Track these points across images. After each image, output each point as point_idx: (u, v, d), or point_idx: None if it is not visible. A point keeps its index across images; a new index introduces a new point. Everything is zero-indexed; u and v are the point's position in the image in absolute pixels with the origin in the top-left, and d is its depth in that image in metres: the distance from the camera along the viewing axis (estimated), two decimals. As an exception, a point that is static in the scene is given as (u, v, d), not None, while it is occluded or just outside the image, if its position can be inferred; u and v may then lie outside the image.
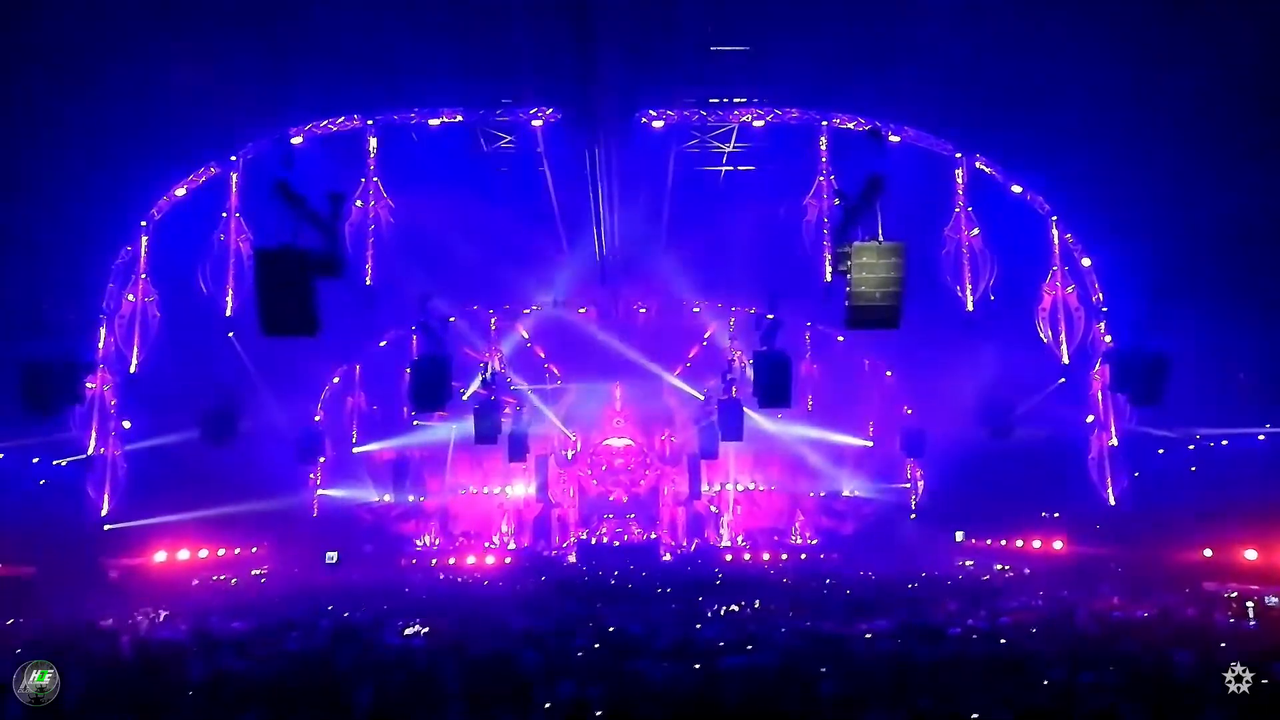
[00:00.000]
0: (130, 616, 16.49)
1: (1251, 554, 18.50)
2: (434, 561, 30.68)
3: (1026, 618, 16.06)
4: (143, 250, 19.74)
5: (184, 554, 24.98)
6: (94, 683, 9.21)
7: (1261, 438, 23.64)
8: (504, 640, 12.68)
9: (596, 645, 12.11)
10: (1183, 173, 16.82)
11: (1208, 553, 19.95)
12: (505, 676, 9.87)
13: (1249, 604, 17.87)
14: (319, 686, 9.50)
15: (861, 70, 16.51)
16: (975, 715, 7.91)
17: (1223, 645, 12.38)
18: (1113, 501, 20.77)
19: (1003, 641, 13.11)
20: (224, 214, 18.41)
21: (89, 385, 19.69)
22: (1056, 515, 26.67)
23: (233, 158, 18.69)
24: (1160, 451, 25.43)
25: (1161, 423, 21.92)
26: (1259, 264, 18.94)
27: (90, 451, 20.53)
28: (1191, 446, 25.17)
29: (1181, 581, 19.70)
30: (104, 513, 21.07)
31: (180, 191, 19.47)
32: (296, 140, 17.38)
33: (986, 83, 16.15)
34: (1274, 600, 17.53)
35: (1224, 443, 24.52)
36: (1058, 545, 25.82)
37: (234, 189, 18.58)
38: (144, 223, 19.65)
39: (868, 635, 13.68)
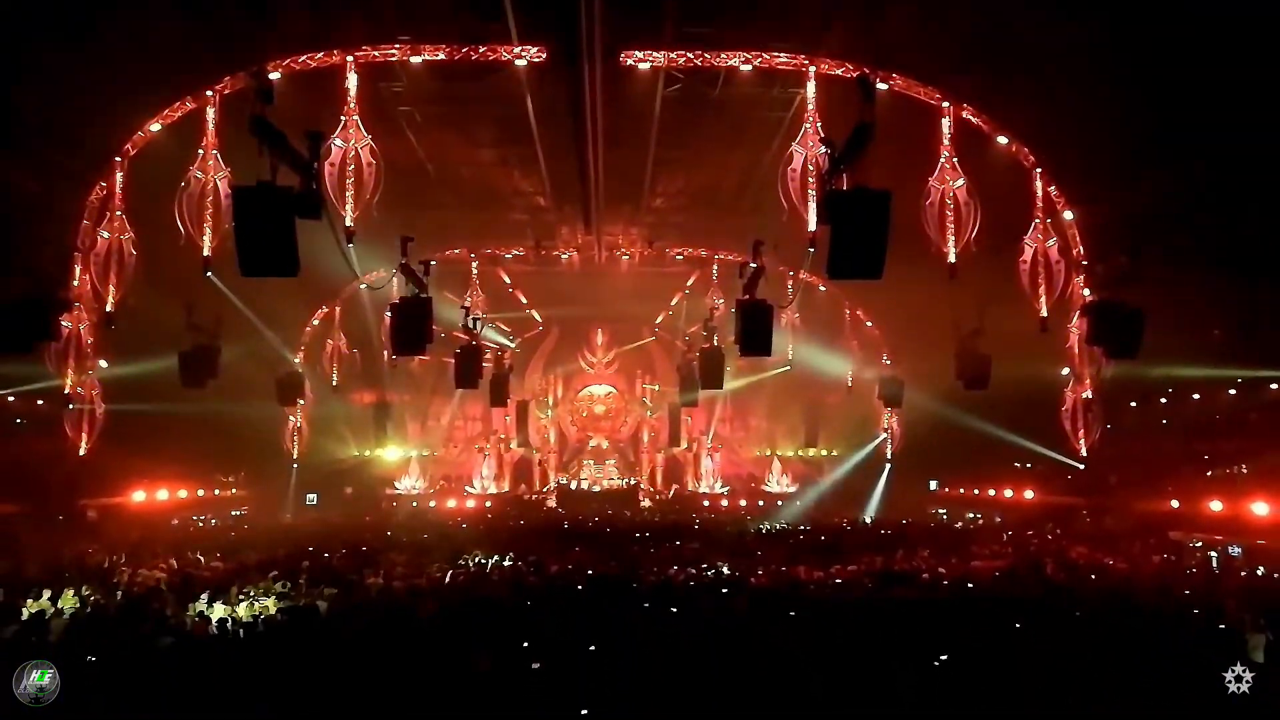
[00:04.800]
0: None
1: (1217, 505, 18.93)
2: (414, 504, 30.91)
3: (996, 564, 16.44)
4: (118, 186, 19.31)
5: (163, 494, 25.03)
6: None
7: (1232, 391, 24.02)
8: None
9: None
10: (1161, 130, 16.77)
11: (1175, 503, 20.40)
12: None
13: (1213, 554, 18.37)
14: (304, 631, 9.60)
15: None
16: (944, 657, 8.10)
17: (1187, 592, 12.76)
18: (1084, 452, 21.10)
19: (971, 586, 13.43)
20: (200, 150, 17.99)
21: (65, 324, 19.42)
22: (1029, 465, 27.12)
23: (209, 93, 18.21)
24: (1133, 404, 25.82)
25: (1136, 375, 22.14)
26: (1235, 220, 19.01)
27: (67, 390, 20.32)
28: (1164, 400, 25.55)
29: (1149, 531, 20.18)
30: (82, 452, 20.95)
31: (155, 127, 19.01)
32: (274, 76, 16.92)
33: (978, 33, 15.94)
34: (1236, 551, 18.02)
35: (1195, 396, 24.91)
36: (1029, 494, 26.33)
37: (210, 125, 18.14)
38: (118, 158, 19.21)
39: (838, 580, 13.98)
